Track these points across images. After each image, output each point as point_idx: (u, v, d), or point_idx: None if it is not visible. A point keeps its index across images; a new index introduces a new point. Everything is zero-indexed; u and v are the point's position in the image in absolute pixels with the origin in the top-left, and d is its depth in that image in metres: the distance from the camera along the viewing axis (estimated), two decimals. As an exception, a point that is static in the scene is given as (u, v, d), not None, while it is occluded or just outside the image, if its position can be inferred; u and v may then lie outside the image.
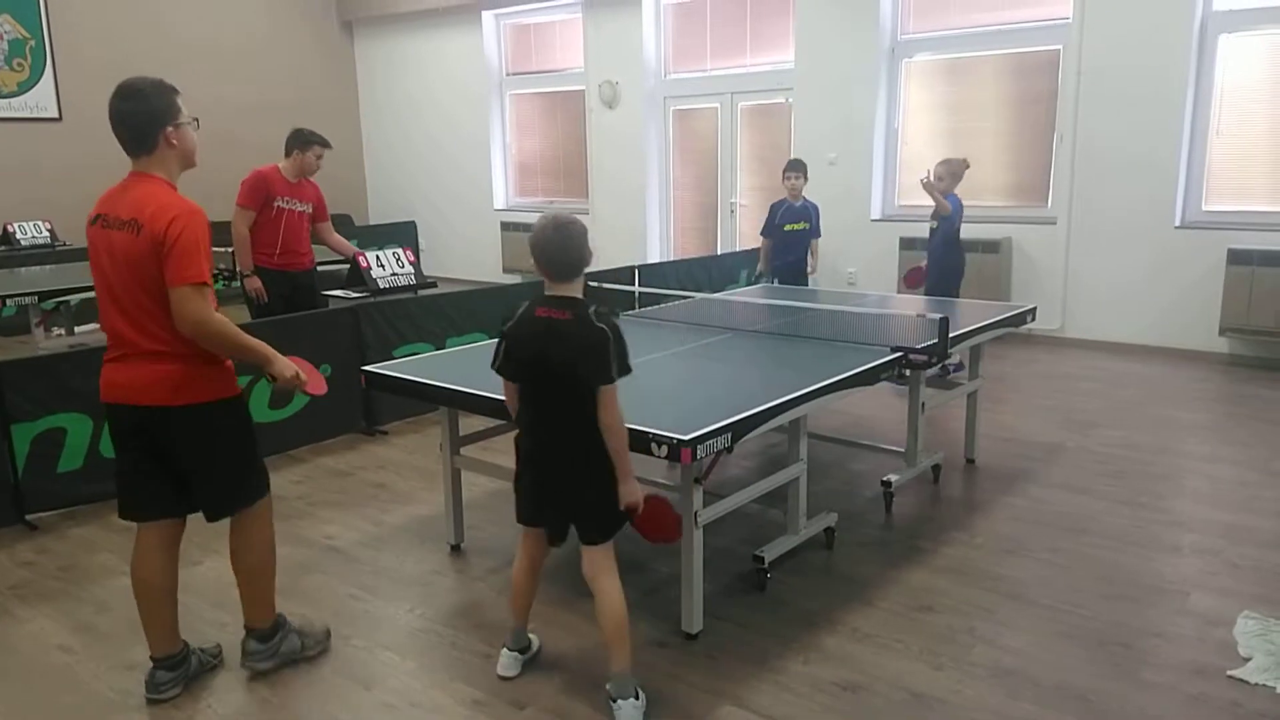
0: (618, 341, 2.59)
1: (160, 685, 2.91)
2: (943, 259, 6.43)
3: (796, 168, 6.85)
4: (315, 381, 3.02)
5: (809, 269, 6.96)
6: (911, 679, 2.94)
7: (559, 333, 2.62)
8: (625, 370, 2.62)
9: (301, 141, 5.72)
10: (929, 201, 6.43)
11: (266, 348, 2.84)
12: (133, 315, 2.70)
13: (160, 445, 2.80)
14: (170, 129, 2.73)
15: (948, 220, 6.35)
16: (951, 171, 6.37)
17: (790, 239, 6.83)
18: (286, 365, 2.89)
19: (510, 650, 3.00)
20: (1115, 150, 7.33)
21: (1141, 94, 7.17)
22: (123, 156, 2.80)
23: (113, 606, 3.47)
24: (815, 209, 6.92)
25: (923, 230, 7.97)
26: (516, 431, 2.87)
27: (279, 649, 3.04)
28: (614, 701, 2.72)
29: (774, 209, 6.90)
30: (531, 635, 3.09)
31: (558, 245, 2.62)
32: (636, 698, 2.73)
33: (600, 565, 2.76)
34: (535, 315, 2.67)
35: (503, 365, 2.78)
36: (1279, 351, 6.88)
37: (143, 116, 2.70)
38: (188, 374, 2.73)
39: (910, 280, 7.19)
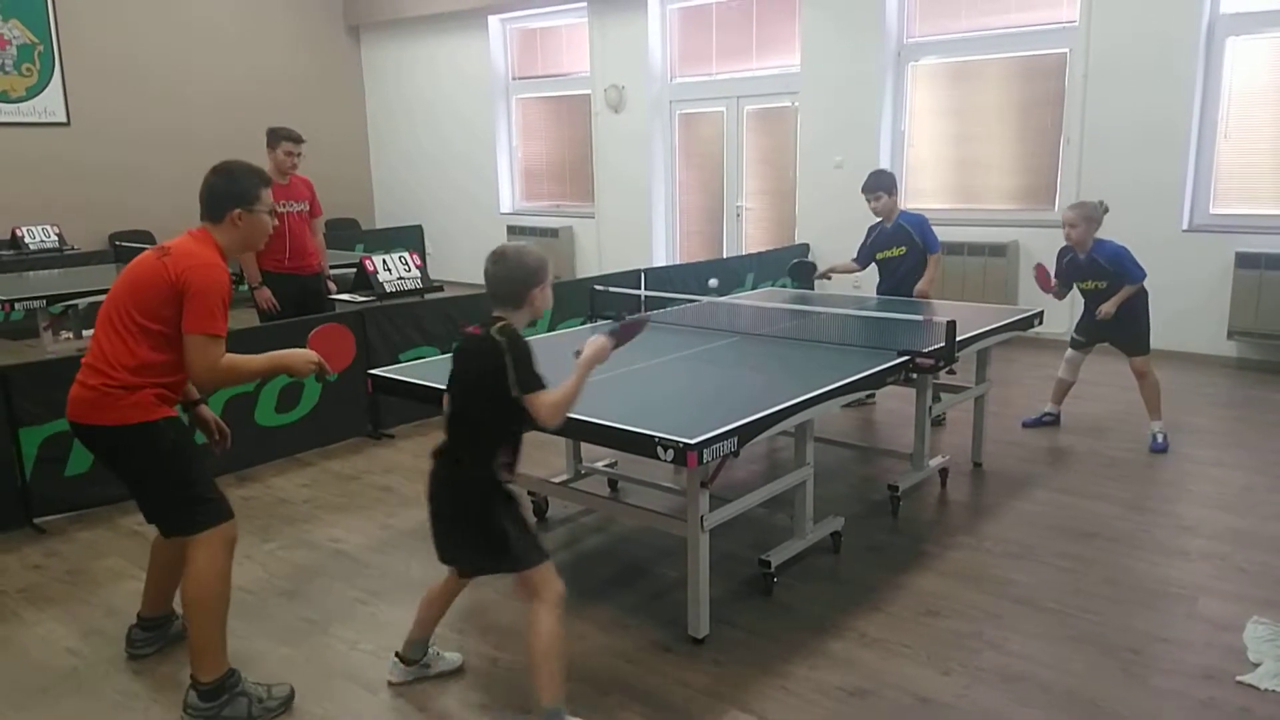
0: (515, 352, 2.53)
1: (135, 642, 3.18)
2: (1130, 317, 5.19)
3: (868, 186, 5.60)
4: (338, 355, 3.07)
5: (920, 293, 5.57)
6: (919, 684, 2.93)
7: (469, 349, 2.68)
8: (529, 384, 2.52)
9: (270, 140, 5.76)
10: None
11: (275, 357, 2.94)
12: (110, 329, 2.75)
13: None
14: (239, 211, 2.85)
15: (1120, 277, 5.16)
16: (1086, 216, 5.16)
17: (886, 266, 5.71)
18: (303, 363, 2.96)
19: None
20: (1122, 153, 7.31)
21: (1148, 97, 7.15)
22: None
23: (121, 610, 3.47)
24: (916, 224, 5.61)
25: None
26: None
27: (220, 713, 2.77)
28: None
29: (870, 231, 5.80)
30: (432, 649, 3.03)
31: (492, 276, 2.74)
32: None
33: (531, 594, 2.65)
34: (463, 332, 2.76)
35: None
36: (1287, 355, 6.86)
37: (221, 191, 2.85)
38: (106, 398, 2.71)
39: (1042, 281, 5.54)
